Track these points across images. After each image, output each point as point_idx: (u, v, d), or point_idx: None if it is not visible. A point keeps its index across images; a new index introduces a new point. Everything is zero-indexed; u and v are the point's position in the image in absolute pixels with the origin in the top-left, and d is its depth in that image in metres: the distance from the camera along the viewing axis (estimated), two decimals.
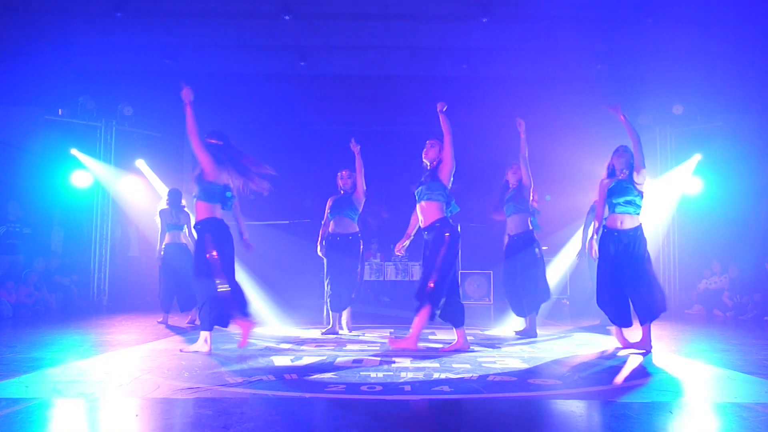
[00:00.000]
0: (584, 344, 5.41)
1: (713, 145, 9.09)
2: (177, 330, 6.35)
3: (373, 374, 3.75)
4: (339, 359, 4.37)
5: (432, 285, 4.71)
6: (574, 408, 3.01)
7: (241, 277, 4.84)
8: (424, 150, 5.02)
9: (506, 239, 6.13)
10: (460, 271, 5.26)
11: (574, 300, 8.94)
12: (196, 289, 4.68)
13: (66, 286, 9.04)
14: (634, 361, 4.42)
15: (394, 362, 4.23)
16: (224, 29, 8.23)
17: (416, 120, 10.26)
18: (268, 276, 8.89)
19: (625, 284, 4.83)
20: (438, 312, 4.80)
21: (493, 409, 3.03)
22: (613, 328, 5.15)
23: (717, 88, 8.91)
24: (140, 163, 9.72)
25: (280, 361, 4.28)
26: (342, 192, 6.20)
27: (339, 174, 6.24)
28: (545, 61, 8.85)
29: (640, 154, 4.83)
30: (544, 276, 6.07)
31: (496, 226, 9.49)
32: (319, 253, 6.30)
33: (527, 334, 5.86)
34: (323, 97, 10.29)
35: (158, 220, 7.02)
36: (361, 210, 6.20)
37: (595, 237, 5.16)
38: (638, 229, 4.85)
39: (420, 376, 3.70)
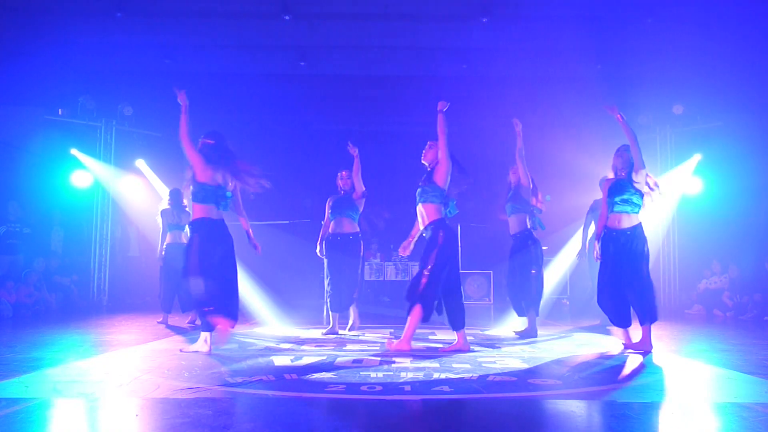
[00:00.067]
0: (584, 344, 5.41)
1: (713, 145, 9.09)
2: (177, 330, 6.35)
3: (373, 374, 3.75)
4: (339, 359, 4.37)
5: (423, 285, 4.71)
6: (574, 408, 3.01)
7: (239, 277, 4.79)
8: (424, 151, 5.02)
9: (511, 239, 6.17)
10: (461, 272, 5.22)
11: (574, 300, 8.94)
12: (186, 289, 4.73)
13: (66, 286, 9.04)
14: (634, 361, 4.42)
15: (394, 362, 4.23)
16: (224, 29, 8.23)
17: (416, 120, 10.25)
18: (268, 276, 8.90)
19: (623, 284, 4.83)
20: (434, 312, 4.80)
21: (493, 409, 3.03)
22: (615, 328, 5.15)
23: (717, 88, 8.91)
24: (140, 163, 9.72)
25: (280, 361, 4.28)
26: (342, 192, 6.21)
27: (339, 174, 6.24)
28: (545, 61, 8.85)
29: (638, 153, 4.83)
30: (539, 275, 6.01)
31: (496, 226, 9.49)
32: (319, 254, 6.32)
33: (527, 335, 5.86)
34: (323, 97, 10.29)
35: (160, 220, 7.03)
36: (361, 210, 6.20)
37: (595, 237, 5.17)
38: (636, 228, 4.84)
39: (420, 376, 3.70)
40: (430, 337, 5.85)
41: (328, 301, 6.15)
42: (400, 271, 8.74)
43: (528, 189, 5.95)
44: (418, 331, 5.82)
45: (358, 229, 6.19)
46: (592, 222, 7.09)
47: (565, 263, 8.48)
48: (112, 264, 9.82)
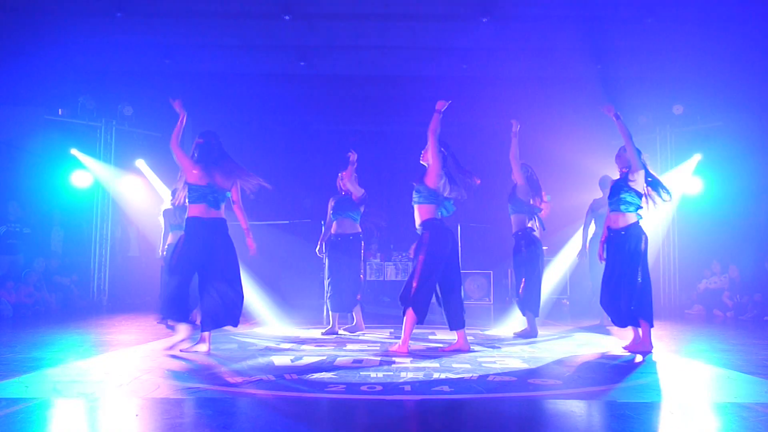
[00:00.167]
0: (584, 344, 5.41)
1: (713, 145, 9.09)
2: (174, 330, 6.34)
3: (373, 374, 3.75)
4: (339, 359, 4.37)
5: (413, 289, 4.72)
6: (574, 408, 3.01)
7: (233, 276, 4.72)
8: (422, 151, 5.03)
9: None
10: (461, 271, 5.21)
11: (574, 300, 8.94)
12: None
13: (66, 286, 9.04)
14: (634, 361, 4.42)
15: (394, 362, 4.23)
16: (224, 29, 8.23)
17: (416, 120, 10.23)
18: (268, 276, 8.90)
19: (619, 283, 4.86)
20: (428, 313, 4.79)
21: (493, 409, 3.03)
22: (616, 328, 5.16)
23: (717, 88, 8.91)
24: (140, 163, 9.72)
25: (280, 361, 4.28)
26: (343, 193, 6.21)
27: (339, 175, 6.25)
28: (545, 61, 8.85)
29: (632, 153, 4.84)
30: (534, 275, 5.97)
31: (496, 226, 9.51)
32: (318, 253, 6.35)
33: (526, 335, 5.86)
34: (323, 97, 10.30)
35: (162, 220, 7.04)
36: (363, 210, 6.21)
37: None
38: (630, 227, 4.85)
39: (420, 376, 3.70)
40: (430, 337, 5.85)
41: (329, 301, 6.16)
42: (400, 271, 8.74)
43: (525, 189, 5.95)
44: (418, 331, 5.84)
45: (358, 230, 6.20)
46: (593, 221, 7.09)
47: (565, 263, 8.48)
48: (112, 264, 9.82)
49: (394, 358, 4.39)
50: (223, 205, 4.69)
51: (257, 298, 7.90)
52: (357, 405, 3.06)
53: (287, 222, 10.05)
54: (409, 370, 3.89)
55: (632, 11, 7.66)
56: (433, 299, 4.93)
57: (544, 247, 6.57)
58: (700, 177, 9.29)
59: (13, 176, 9.11)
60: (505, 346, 5.25)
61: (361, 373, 3.80)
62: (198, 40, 8.49)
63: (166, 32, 8.26)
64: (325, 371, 3.84)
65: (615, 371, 4.05)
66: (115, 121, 9.75)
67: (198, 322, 4.92)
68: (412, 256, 5.08)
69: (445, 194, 4.91)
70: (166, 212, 7.00)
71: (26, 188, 9.19)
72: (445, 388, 3.36)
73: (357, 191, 6.10)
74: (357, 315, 6.21)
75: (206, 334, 4.62)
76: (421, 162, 5.00)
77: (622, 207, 4.86)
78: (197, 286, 4.65)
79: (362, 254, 6.18)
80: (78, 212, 9.80)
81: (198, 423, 2.63)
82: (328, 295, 6.14)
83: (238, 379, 3.55)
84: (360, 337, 5.82)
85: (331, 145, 11.20)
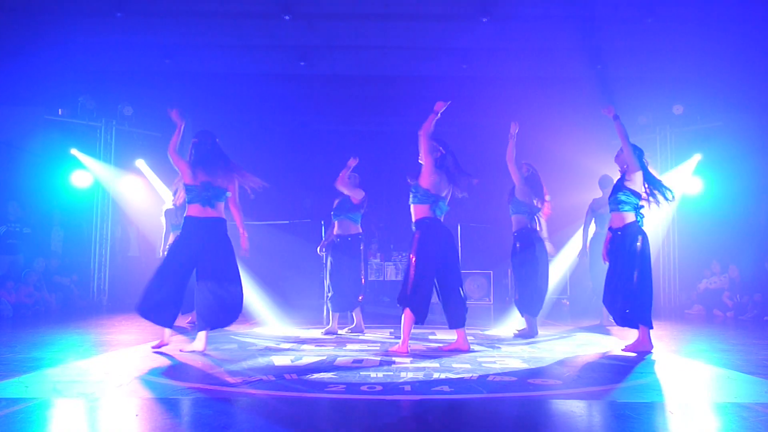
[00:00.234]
0: (584, 344, 5.41)
1: (713, 145, 9.09)
2: (177, 330, 6.33)
3: (373, 374, 3.75)
4: (339, 359, 4.37)
5: (409, 288, 4.73)
6: (574, 408, 3.01)
7: (226, 275, 4.70)
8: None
9: None
10: (462, 271, 5.21)
11: (574, 300, 8.94)
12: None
13: (66, 286, 9.04)
14: (634, 361, 4.42)
15: (394, 362, 4.23)
16: (224, 29, 8.23)
17: (416, 120, 10.21)
18: (268, 276, 8.90)
19: (618, 283, 4.87)
20: (428, 313, 4.79)
21: (493, 409, 3.03)
22: (617, 327, 5.16)
23: (717, 88, 8.91)
24: (140, 163, 9.71)
25: (280, 361, 4.28)
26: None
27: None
28: (545, 61, 8.85)
29: (629, 154, 4.84)
30: (531, 275, 5.94)
31: (496, 226, 9.51)
32: (318, 252, 6.43)
33: (525, 335, 5.86)
34: (323, 97, 10.29)
35: (163, 220, 7.05)
36: (363, 211, 6.21)
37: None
38: (627, 227, 4.86)
39: (420, 376, 3.70)
40: (430, 337, 5.85)
41: (329, 301, 6.20)
42: (400, 271, 8.74)
43: (524, 189, 5.95)
44: (418, 331, 5.84)
45: (358, 231, 6.21)
46: (593, 221, 7.09)
47: (565, 263, 8.48)
48: (112, 264, 9.82)
49: (394, 358, 4.39)
50: (220, 204, 4.67)
51: (257, 298, 7.90)
52: (357, 405, 3.06)
53: (287, 222, 10.06)
54: (409, 370, 3.89)
55: (632, 11, 7.66)
56: (435, 299, 4.93)
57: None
58: (700, 177, 9.28)
59: (13, 176, 9.11)
60: (505, 346, 5.25)
61: (361, 373, 3.80)
62: (198, 40, 8.48)
63: (166, 32, 8.26)
64: (325, 371, 3.84)
65: (615, 371, 4.05)
66: (115, 121, 9.74)
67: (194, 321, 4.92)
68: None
69: (444, 193, 4.90)
70: (167, 212, 7.01)
71: (26, 188, 9.18)
72: (445, 388, 3.36)
73: (354, 194, 6.11)
74: (357, 316, 6.22)
75: (201, 333, 4.61)
76: (420, 161, 5.01)
77: (619, 207, 4.88)
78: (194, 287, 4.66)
79: (362, 255, 6.18)
80: (78, 212, 9.80)
81: (198, 423, 2.63)
82: (329, 295, 6.18)
83: (238, 380, 3.55)
84: (360, 337, 5.82)
85: (331, 145, 11.20)
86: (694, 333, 6.52)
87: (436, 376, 3.71)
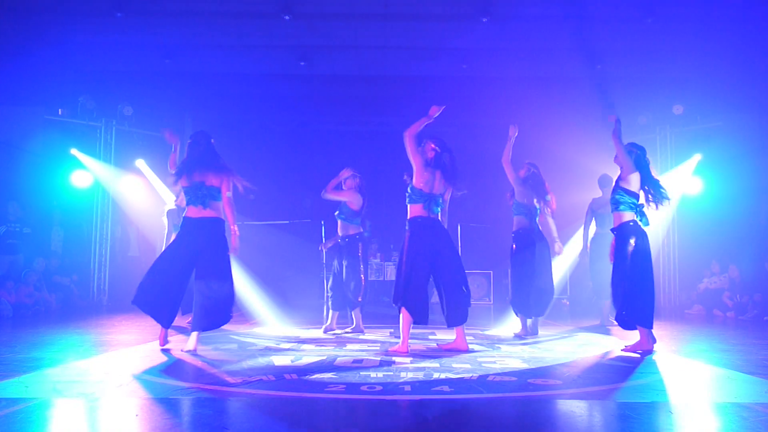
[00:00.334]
0: (584, 344, 5.41)
1: (713, 145, 9.08)
2: (177, 330, 6.34)
3: (373, 374, 3.75)
4: (339, 359, 4.38)
5: (401, 288, 4.76)
6: (574, 408, 3.01)
7: (218, 274, 4.70)
8: None
9: None
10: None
11: (574, 300, 8.94)
12: None
13: (66, 286, 9.04)
14: (634, 361, 4.42)
15: (394, 362, 4.23)
16: (224, 29, 8.23)
17: (415, 120, 10.23)
18: (268, 276, 8.90)
19: (615, 284, 4.89)
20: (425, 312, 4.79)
21: (493, 409, 3.03)
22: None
23: (717, 88, 8.90)
24: (140, 163, 9.71)
25: (280, 361, 4.28)
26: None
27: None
28: (545, 61, 8.85)
29: (623, 156, 4.85)
30: (524, 275, 5.93)
31: (496, 226, 9.50)
32: (320, 248, 6.77)
33: (519, 336, 5.85)
34: (323, 97, 10.29)
35: (166, 220, 7.05)
36: (359, 211, 6.22)
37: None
38: (620, 227, 4.87)
39: (420, 376, 3.70)
40: (430, 337, 5.85)
41: (329, 300, 6.34)
42: None
43: (522, 190, 5.95)
44: (418, 331, 5.85)
45: (355, 232, 6.25)
46: (593, 220, 7.09)
47: (565, 263, 8.47)
48: (112, 264, 9.82)
49: (394, 358, 4.39)
50: (216, 204, 4.69)
51: (257, 298, 7.90)
52: (357, 405, 3.06)
53: (287, 222, 10.05)
54: (409, 370, 3.89)
55: (632, 11, 7.66)
56: (435, 298, 4.92)
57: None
58: (700, 177, 9.28)
59: (13, 176, 9.10)
60: (505, 346, 5.25)
61: (361, 373, 3.80)
62: (198, 40, 8.48)
63: (166, 32, 8.25)
64: (325, 371, 3.84)
65: (615, 371, 4.05)
66: (115, 121, 9.74)
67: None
68: None
69: (439, 191, 4.88)
70: (169, 212, 7.03)
71: (26, 188, 9.18)
72: (445, 388, 3.36)
73: (349, 199, 6.16)
74: (357, 317, 6.23)
75: (193, 333, 4.62)
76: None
77: (615, 207, 4.89)
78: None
79: (360, 255, 6.21)
80: (78, 212, 9.80)
81: (198, 423, 2.63)
82: (329, 294, 6.33)
83: (238, 379, 3.55)
84: (360, 337, 5.82)
85: (331, 145, 11.20)
86: (694, 333, 6.52)
87: (436, 376, 3.71)
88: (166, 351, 4.64)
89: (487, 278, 8.43)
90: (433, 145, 4.93)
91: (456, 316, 4.83)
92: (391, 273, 8.85)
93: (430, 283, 4.94)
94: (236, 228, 4.76)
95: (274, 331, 6.30)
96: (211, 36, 8.37)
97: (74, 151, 9.36)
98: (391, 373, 3.78)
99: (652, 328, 4.77)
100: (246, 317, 7.55)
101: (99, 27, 8.11)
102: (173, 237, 6.88)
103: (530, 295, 5.90)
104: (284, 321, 7.09)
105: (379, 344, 5.27)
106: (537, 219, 6.00)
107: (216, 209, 4.67)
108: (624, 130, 5.00)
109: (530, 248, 5.91)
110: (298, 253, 10.10)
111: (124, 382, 3.47)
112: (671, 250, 9.75)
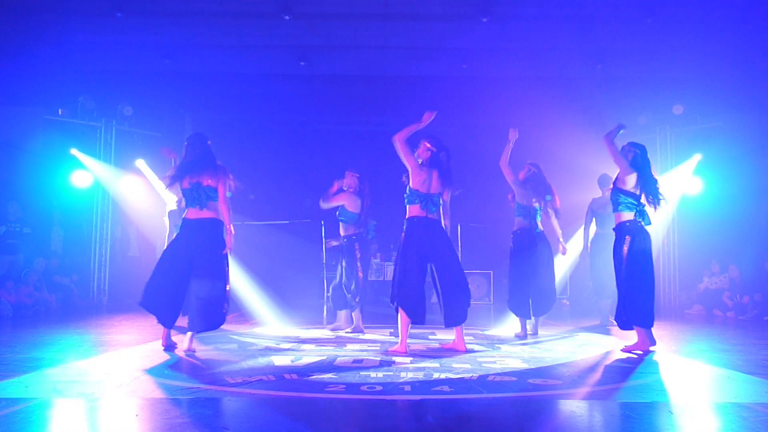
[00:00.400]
0: (585, 344, 5.41)
1: (713, 145, 9.08)
2: (178, 330, 6.34)
3: (373, 374, 3.75)
4: (339, 359, 4.38)
5: (396, 288, 4.78)
6: (574, 408, 3.01)
7: (213, 275, 4.70)
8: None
9: None
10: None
11: (574, 300, 8.94)
12: None
13: (66, 286, 9.03)
14: (634, 361, 4.42)
15: (394, 362, 4.23)
16: (224, 29, 8.23)
17: (415, 120, 10.22)
18: (268, 276, 8.90)
19: (617, 283, 4.91)
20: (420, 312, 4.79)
21: (493, 409, 3.03)
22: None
23: (717, 88, 8.90)
24: (140, 163, 9.71)
25: (280, 361, 4.28)
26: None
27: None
28: (545, 61, 8.85)
29: (616, 159, 4.88)
30: (518, 275, 5.94)
31: (496, 226, 9.50)
32: (328, 245, 6.96)
33: (518, 336, 5.85)
34: (323, 97, 10.29)
35: (167, 221, 7.06)
36: (358, 212, 6.24)
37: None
38: (618, 227, 4.88)
39: (420, 376, 3.71)
40: (430, 337, 5.85)
41: (330, 300, 6.54)
42: None
43: (520, 192, 5.96)
44: (418, 330, 5.85)
45: (350, 232, 6.29)
46: (593, 220, 7.09)
47: (565, 263, 8.47)
48: (112, 264, 9.82)
49: (394, 358, 4.39)
50: (214, 204, 4.69)
51: (257, 298, 7.90)
52: (357, 405, 3.06)
53: (287, 222, 10.05)
54: (409, 370, 3.90)
55: (632, 11, 7.66)
56: (435, 298, 4.92)
57: None
58: (700, 177, 9.28)
59: (13, 176, 9.10)
60: (505, 346, 5.25)
61: (361, 373, 3.80)
62: (198, 40, 8.48)
63: (166, 32, 8.25)
64: (325, 371, 3.85)
65: (615, 371, 4.05)
66: (115, 121, 9.74)
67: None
68: None
69: (436, 190, 4.86)
70: (171, 213, 7.03)
71: (26, 188, 9.18)
72: (445, 388, 3.36)
73: (346, 203, 6.23)
74: (357, 317, 6.24)
75: (188, 333, 4.64)
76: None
77: (614, 207, 4.91)
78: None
79: (357, 255, 6.23)
80: (78, 212, 9.80)
81: (198, 423, 2.63)
82: (329, 294, 6.52)
83: (238, 379, 3.55)
84: (360, 337, 5.82)
85: (331, 145, 11.20)
86: (694, 333, 6.52)
87: (436, 376, 3.71)
88: (167, 351, 4.64)
89: (487, 278, 8.43)
90: (428, 145, 4.92)
91: (452, 317, 4.82)
92: (391, 273, 8.86)
93: (428, 283, 4.93)
94: (232, 227, 4.78)
95: (274, 331, 6.30)
96: (211, 36, 8.37)
97: (74, 151, 9.36)
98: (391, 373, 3.78)
99: (649, 328, 4.76)
100: (246, 317, 7.56)
101: (99, 27, 8.10)
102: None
103: (529, 296, 5.90)
104: (284, 321, 7.08)
105: (379, 344, 5.27)
106: (538, 219, 5.99)
107: (214, 209, 4.69)
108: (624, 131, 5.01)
109: (529, 249, 5.90)
110: (298, 253, 10.09)
111: (124, 382, 3.47)
112: (671, 250, 9.75)
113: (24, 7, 7.68)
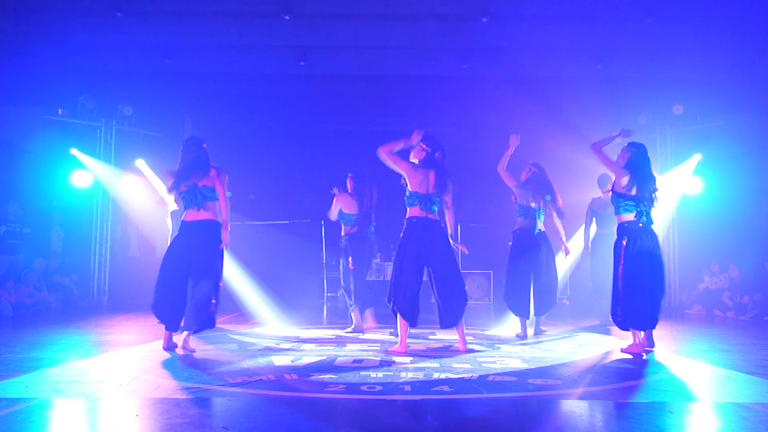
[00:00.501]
0: (585, 344, 5.41)
1: (713, 145, 9.08)
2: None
3: (373, 374, 3.75)
4: (339, 359, 4.38)
5: (392, 288, 4.79)
6: (574, 408, 3.01)
7: (212, 275, 4.70)
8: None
9: None
10: (462, 271, 5.20)
11: (574, 300, 8.94)
12: None
13: (66, 286, 9.03)
14: (634, 361, 4.42)
15: (394, 362, 4.23)
16: (224, 29, 8.23)
17: (416, 120, 10.25)
18: (268, 276, 8.90)
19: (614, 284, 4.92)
20: (396, 308, 4.77)
21: (493, 409, 3.03)
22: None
23: (717, 88, 8.91)
24: (140, 163, 9.71)
25: (280, 361, 4.28)
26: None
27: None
28: (545, 61, 8.85)
29: (604, 165, 4.95)
30: (514, 275, 5.95)
31: (496, 226, 9.50)
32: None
33: (519, 337, 5.85)
34: (323, 97, 10.30)
35: (169, 221, 7.06)
36: (355, 213, 6.26)
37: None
38: (617, 228, 4.88)
39: (420, 376, 3.70)
40: (430, 337, 5.85)
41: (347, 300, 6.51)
42: None
43: (520, 193, 5.96)
44: (418, 330, 5.85)
45: (346, 232, 6.32)
46: (593, 221, 7.08)
47: (565, 263, 8.47)
48: (112, 264, 9.82)
49: (394, 358, 4.39)
50: (211, 204, 4.70)
51: (257, 298, 7.90)
52: (357, 405, 3.06)
53: (287, 222, 10.06)
54: (409, 370, 3.89)
55: (632, 11, 7.66)
56: (434, 299, 4.92)
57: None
58: (700, 177, 9.27)
59: (13, 176, 9.10)
60: (505, 346, 5.25)
61: (361, 373, 3.80)
62: (198, 40, 8.49)
63: (166, 32, 8.26)
64: (325, 371, 3.85)
65: (615, 371, 4.05)
66: (115, 121, 9.74)
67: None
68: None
69: (435, 190, 4.83)
70: (173, 213, 7.03)
71: (26, 188, 9.18)
72: (445, 388, 3.36)
73: (343, 203, 6.27)
74: (356, 317, 6.24)
75: (184, 333, 4.65)
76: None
77: (615, 211, 4.91)
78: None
79: (348, 257, 6.30)
80: (78, 212, 9.80)
81: (198, 423, 2.63)
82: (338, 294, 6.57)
83: (238, 379, 3.55)
84: (360, 337, 5.82)
85: (331, 145, 11.20)
86: (694, 333, 6.52)
87: (436, 376, 3.71)
88: (167, 351, 4.64)
89: (487, 278, 8.43)
90: (423, 145, 4.89)
91: (448, 319, 4.81)
92: (390, 273, 8.88)
93: (427, 283, 4.93)
94: (229, 225, 4.81)
95: (274, 331, 6.30)
96: (211, 36, 8.38)
97: (74, 151, 9.36)
98: (391, 373, 3.78)
99: (646, 330, 4.74)
100: (246, 317, 7.56)
101: (99, 27, 8.11)
102: None
103: (529, 296, 5.91)
104: (284, 321, 7.08)
105: (379, 344, 5.27)
106: (540, 220, 5.99)
107: (211, 210, 4.70)
108: None
109: (528, 248, 5.90)
110: (298, 253, 10.10)
111: (124, 382, 3.47)
112: (671, 250, 9.74)
113: (24, 7, 7.69)
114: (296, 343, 5.31)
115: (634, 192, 4.77)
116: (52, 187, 9.48)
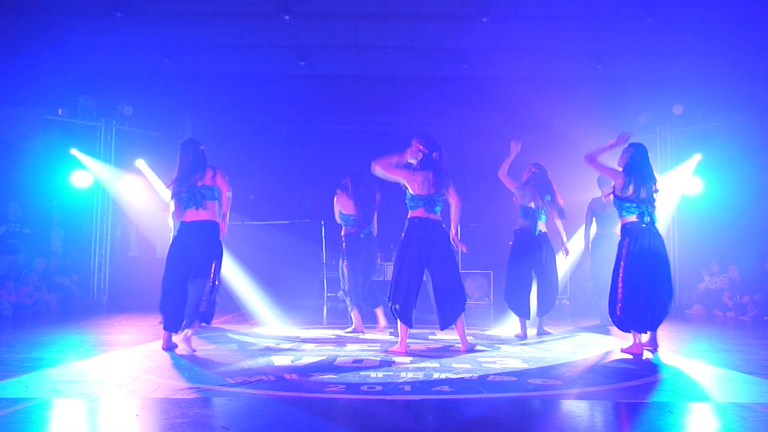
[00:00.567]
0: (585, 344, 5.41)
1: (713, 145, 9.08)
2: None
3: (373, 374, 3.75)
4: (339, 359, 4.38)
5: (390, 287, 4.80)
6: (574, 408, 3.01)
7: (212, 275, 4.70)
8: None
9: None
10: (462, 271, 5.20)
11: (574, 300, 8.94)
12: None
13: (66, 286, 9.04)
14: (634, 361, 4.42)
15: (394, 362, 4.23)
16: (224, 29, 8.23)
17: (416, 120, 10.26)
18: (268, 276, 8.91)
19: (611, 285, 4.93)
20: (397, 308, 4.76)
21: (493, 409, 3.03)
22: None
23: (717, 88, 8.90)
24: (140, 163, 9.71)
25: (280, 361, 4.28)
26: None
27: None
28: (545, 61, 8.85)
29: (600, 172, 5.01)
30: (512, 275, 5.97)
31: (496, 226, 9.51)
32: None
33: (519, 337, 5.85)
34: (323, 97, 10.30)
35: (171, 221, 7.06)
36: (353, 214, 6.25)
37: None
38: (620, 229, 4.89)
39: (420, 376, 3.71)
40: (430, 337, 5.85)
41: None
42: None
43: (520, 194, 5.97)
44: (418, 330, 5.85)
45: (345, 232, 6.31)
46: (594, 221, 7.08)
47: (565, 263, 8.47)
48: (112, 264, 9.82)
49: (393, 358, 4.39)
50: (210, 204, 4.70)
51: (257, 298, 7.90)
52: (357, 405, 3.06)
53: (287, 222, 10.06)
54: (409, 370, 3.90)
55: (632, 11, 7.66)
56: (432, 300, 4.92)
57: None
58: (700, 177, 9.27)
59: (13, 176, 9.10)
60: (505, 346, 5.25)
61: (361, 373, 3.80)
62: (198, 40, 8.48)
63: (166, 32, 8.25)
64: (325, 371, 3.85)
65: (615, 371, 4.05)
66: (115, 121, 9.74)
67: (203, 324, 4.93)
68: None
69: (434, 190, 4.82)
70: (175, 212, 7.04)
71: (26, 188, 9.18)
72: (445, 388, 3.36)
73: (341, 204, 6.28)
74: (356, 317, 6.24)
75: (182, 332, 4.63)
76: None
77: (618, 214, 4.91)
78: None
79: (342, 258, 6.30)
80: (78, 212, 9.80)
81: (198, 423, 2.63)
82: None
83: (239, 379, 3.55)
84: (360, 337, 5.82)
85: (331, 145, 11.20)
86: (694, 333, 6.52)
87: (436, 376, 3.71)
88: (167, 351, 4.64)
89: (487, 278, 8.44)
90: (420, 146, 4.88)
91: (445, 319, 4.80)
92: (391, 273, 8.89)
93: (425, 284, 4.93)
94: (227, 218, 4.84)
95: (274, 331, 6.30)
96: (211, 36, 8.38)
97: (74, 151, 9.36)
98: (391, 373, 3.78)
99: (644, 332, 4.74)
100: (246, 317, 7.56)
101: (99, 27, 8.10)
102: None
103: (529, 296, 5.91)
104: (284, 321, 7.08)
105: (379, 344, 5.27)
106: (541, 221, 5.98)
107: (210, 209, 4.70)
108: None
109: (529, 249, 5.91)
110: (298, 253, 10.10)
111: (124, 382, 3.47)
112: (671, 250, 9.71)
113: (24, 7, 7.69)
114: (296, 343, 5.31)
115: (631, 191, 4.77)
116: (52, 187, 9.48)
